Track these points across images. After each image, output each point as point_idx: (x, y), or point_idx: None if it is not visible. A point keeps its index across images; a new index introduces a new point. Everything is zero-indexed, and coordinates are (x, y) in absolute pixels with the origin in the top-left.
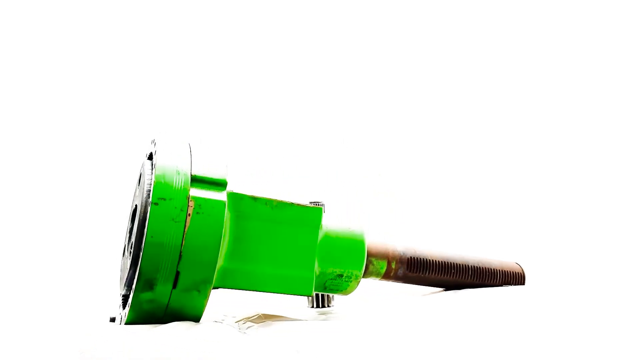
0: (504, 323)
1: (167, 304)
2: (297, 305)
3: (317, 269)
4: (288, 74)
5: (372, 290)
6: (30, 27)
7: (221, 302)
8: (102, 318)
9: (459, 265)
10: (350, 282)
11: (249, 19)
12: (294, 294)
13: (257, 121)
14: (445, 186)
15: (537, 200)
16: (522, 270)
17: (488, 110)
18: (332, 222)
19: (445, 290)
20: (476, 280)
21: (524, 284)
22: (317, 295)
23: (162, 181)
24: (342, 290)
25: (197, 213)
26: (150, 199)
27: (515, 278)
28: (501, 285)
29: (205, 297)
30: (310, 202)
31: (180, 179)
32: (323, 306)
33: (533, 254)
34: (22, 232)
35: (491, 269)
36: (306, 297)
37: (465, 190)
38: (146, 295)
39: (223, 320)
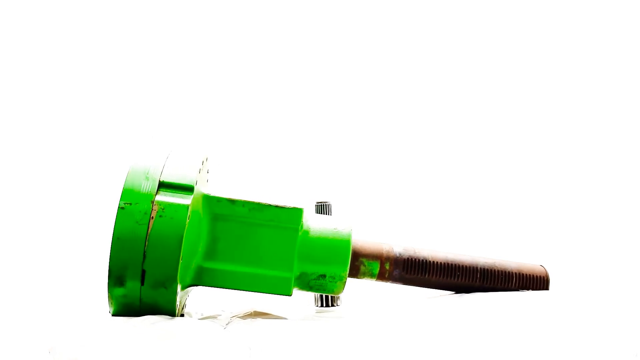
0: (503, 330)
1: (140, 298)
2: (303, 303)
3: (297, 269)
4: (291, 76)
5: (383, 292)
6: (21, 27)
7: (224, 298)
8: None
9: (466, 267)
10: (336, 282)
11: (251, 19)
12: (272, 294)
13: (265, 123)
14: (469, 187)
15: (571, 200)
16: (546, 273)
17: (497, 109)
18: (316, 223)
19: (455, 293)
20: (487, 283)
21: (547, 289)
22: (322, 294)
23: (130, 187)
24: (329, 291)
25: (160, 216)
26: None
27: (536, 282)
28: (517, 290)
29: (174, 293)
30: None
31: (148, 184)
32: (328, 305)
33: (570, 256)
34: (20, 231)
35: (505, 272)
36: (313, 296)
37: (493, 192)
38: (119, 291)
39: (220, 314)
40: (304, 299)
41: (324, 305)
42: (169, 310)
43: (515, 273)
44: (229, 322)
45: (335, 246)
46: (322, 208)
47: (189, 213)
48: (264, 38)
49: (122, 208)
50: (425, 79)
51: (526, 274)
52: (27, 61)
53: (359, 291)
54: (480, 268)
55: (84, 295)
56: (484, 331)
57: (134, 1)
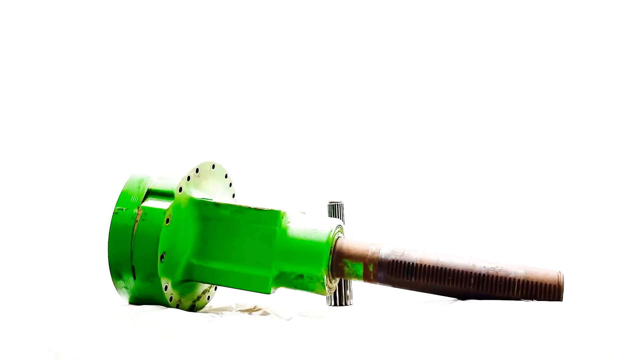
0: (472, 346)
1: (137, 290)
2: (316, 301)
3: (276, 268)
4: (299, 80)
5: (393, 296)
6: (21, 29)
7: (239, 293)
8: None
9: (458, 272)
10: (314, 283)
11: (256, 22)
12: (252, 291)
13: (285, 129)
14: (496, 191)
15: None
16: (559, 282)
17: (512, 112)
18: (297, 224)
19: (458, 299)
20: (483, 290)
21: (559, 299)
22: (333, 293)
23: (125, 194)
24: (311, 291)
25: (143, 220)
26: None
27: (545, 291)
28: (521, 299)
29: (159, 286)
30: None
31: (138, 192)
32: (338, 304)
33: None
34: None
35: (506, 279)
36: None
37: (523, 197)
38: (119, 283)
39: (234, 307)
40: (317, 298)
41: (335, 304)
42: (161, 301)
43: (519, 280)
44: (223, 316)
45: (311, 247)
46: (334, 208)
47: (166, 216)
48: (274, 43)
49: (116, 213)
50: (433, 82)
51: (533, 282)
52: (26, 63)
53: (372, 294)
54: (475, 273)
55: (83, 294)
56: (449, 345)
57: (141, 8)
